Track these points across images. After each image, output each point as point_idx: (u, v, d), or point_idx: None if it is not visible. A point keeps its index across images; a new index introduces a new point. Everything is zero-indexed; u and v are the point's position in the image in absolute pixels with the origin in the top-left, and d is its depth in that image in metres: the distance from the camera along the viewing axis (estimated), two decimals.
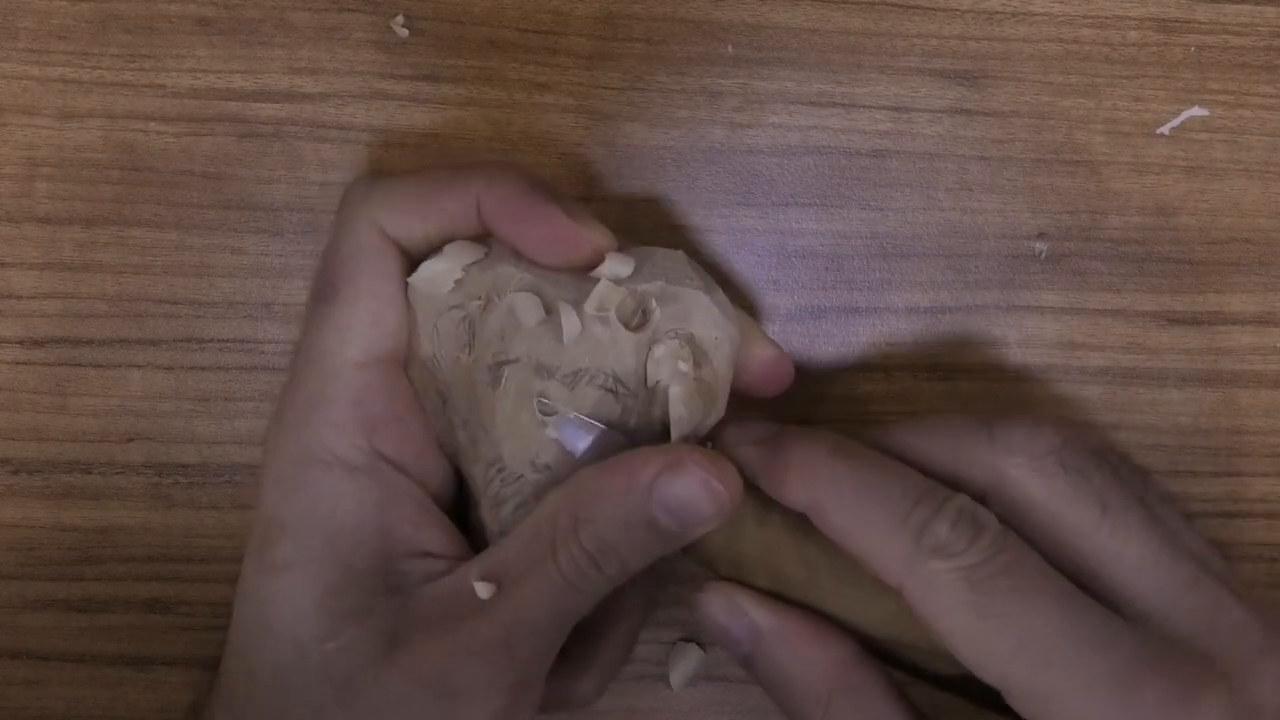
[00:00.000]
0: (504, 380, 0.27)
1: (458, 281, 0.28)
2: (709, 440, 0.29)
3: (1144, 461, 0.35)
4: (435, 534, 0.29)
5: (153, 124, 0.33)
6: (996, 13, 0.34)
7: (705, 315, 0.28)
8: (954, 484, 0.26)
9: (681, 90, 0.34)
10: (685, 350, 0.28)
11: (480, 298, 0.28)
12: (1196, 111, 0.34)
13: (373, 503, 0.28)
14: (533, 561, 0.27)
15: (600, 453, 0.27)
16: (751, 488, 0.28)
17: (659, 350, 0.27)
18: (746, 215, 0.34)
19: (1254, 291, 0.35)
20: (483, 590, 0.27)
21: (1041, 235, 0.34)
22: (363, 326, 0.28)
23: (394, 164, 0.33)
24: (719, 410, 0.29)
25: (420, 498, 0.29)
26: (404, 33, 0.33)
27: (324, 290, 0.29)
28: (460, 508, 0.31)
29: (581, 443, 0.27)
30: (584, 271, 0.28)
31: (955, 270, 0.34)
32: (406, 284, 0.29)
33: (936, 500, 0.25)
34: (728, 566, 0.28)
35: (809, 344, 0.34)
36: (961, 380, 0.34)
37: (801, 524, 0.27)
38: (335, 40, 0.33)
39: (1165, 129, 0.34)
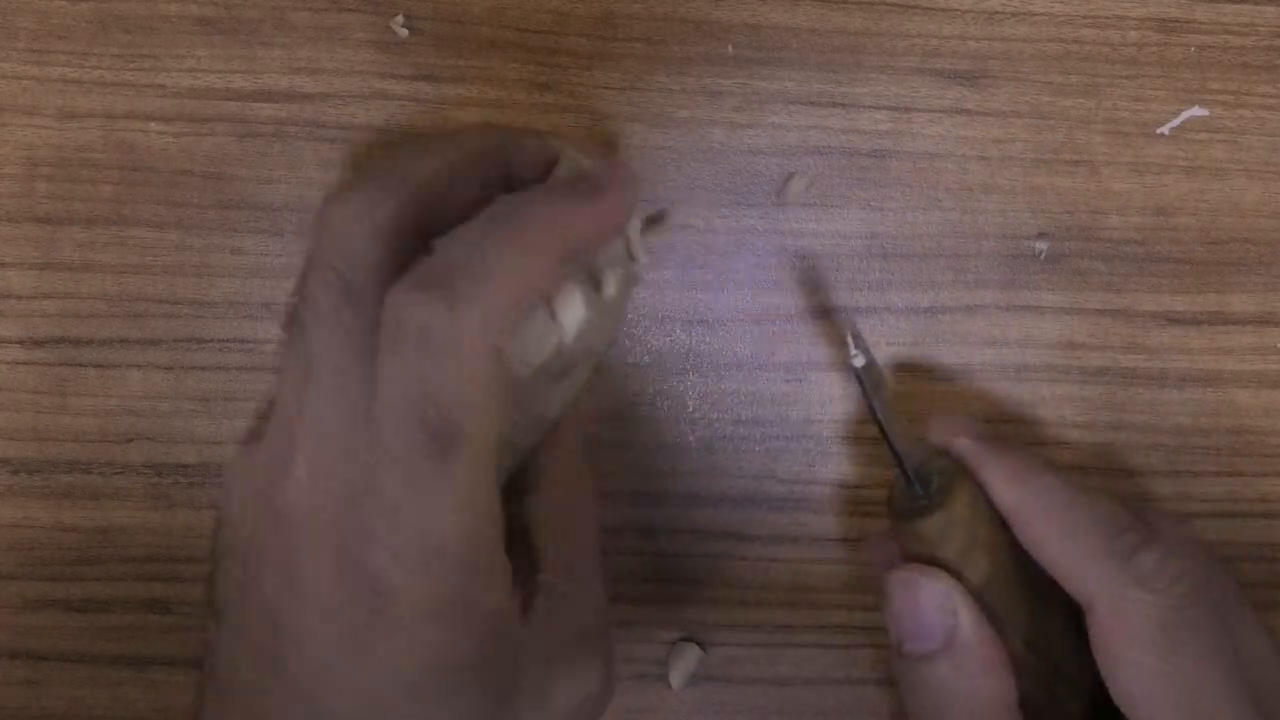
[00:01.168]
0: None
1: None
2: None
3: (1144, 462, 0.35)
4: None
5: (153, 124, 0.33)
6: (996, 13, 0.34)
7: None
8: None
9: (681, 90, 0.34)
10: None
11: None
12: (1196, 111, 0.34)
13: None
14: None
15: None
16: (972, 496, 0.28)
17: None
18: (746, 215, 0.34)
19: (1254, 291, 0.35)
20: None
21: (1041, 235, 0.34)
22: (486, 496, 0.23)
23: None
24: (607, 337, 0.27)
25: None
26: (404, 33, 0.33)
27: (438, 437, 0.22)
28: None
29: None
30: None
31: (955, 270, 0.34)
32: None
33: (1148, 530, 0.26)
34: (963, 541, 0.28)
35: (809, 344, 0.34)
36: (961, 380, 0.34)
37: (996, 520, 0.28)
38: (335, 40, 0.33)
39: (1165, 129, 0.34)
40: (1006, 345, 0.34)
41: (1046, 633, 0.28)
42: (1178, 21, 0.34)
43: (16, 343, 0.33)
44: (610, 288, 0.26)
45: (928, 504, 0.28)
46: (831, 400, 0.34)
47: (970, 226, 0.34)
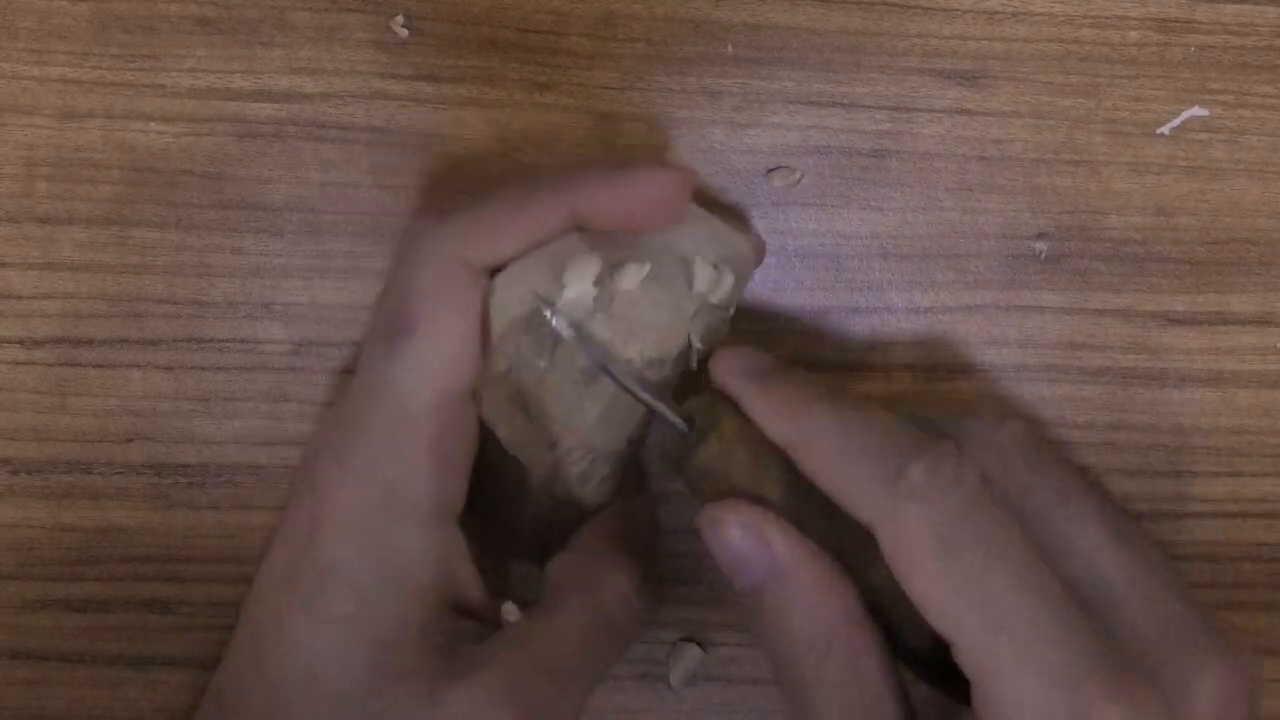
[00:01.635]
0: (601, 379, 0.28)
1: (531, 286, 0.28)
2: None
3: (1144, 462, 0.35)
4: (475, 588, 0.28)
5: (153, 124, 0.33)
6: (996, 13, 0.34)
7: (722, 240, 0.30)
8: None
9: (681, 90, 0.34)
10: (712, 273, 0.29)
11: (552, 305, 0.28)
12: (1196, 111, 0.34)
13: (434, 558, 0.27)
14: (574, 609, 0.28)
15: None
16: (746, 417, 0.27)
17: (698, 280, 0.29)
18: (747, 216, 0.34)
19: (1254, 291, 0.35)
20: (510, 614, 0.27)
21: (1041, 235, 0.34)
22: (442, 366, 0.27)
23: (395, 164, 0.33)
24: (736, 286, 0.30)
25: (468, 548, 0.28)
26: (404, 33, 0.33)
27: (398, 326, 0.27)
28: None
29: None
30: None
31: (955, 270, 0.34)
32: (490, 306, 0.28)
33: (919, 444, 0.25)
34: (713, 490, 0.27)
35: (809, 344, 0.34)
36: (961, 380, 0.34)
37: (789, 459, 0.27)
38: (335, 40, 0.33)
39: (1165, 129, 0.34)
40: (1006, 345, 0.34)
41: (862, 553, 0.27)
42: (1178, 21, 0.34)
43: (16, 343, 0.33)
44: (700, 281, 0.29)
45: (696, 438, 0.28)
46: None
47: (970, 226, 0.34)
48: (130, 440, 0.33)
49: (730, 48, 0.34)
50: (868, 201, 0.34)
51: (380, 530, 0.27)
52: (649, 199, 0.28)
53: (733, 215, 0.33)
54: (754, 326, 0.34)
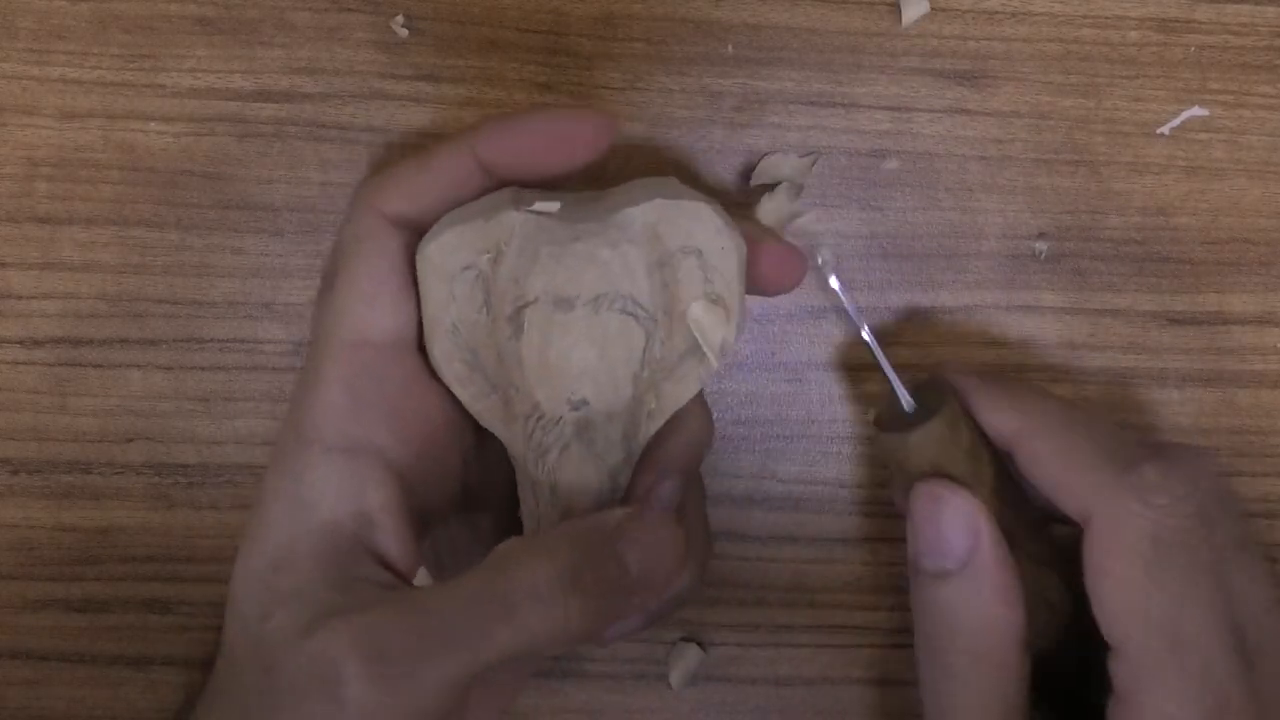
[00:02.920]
0: (526, 324, 0.27)
1: (462, 239, 0.28)
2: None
3: None
4: (392, 540, 0.27)
5: (153, 124, 0.33)
6: (996, 13, 0.34)
7: (708, 226, 0.28)
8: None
9: (681, 90, 0.34)
10: (696, 268, 0.28)
11: (489, 251, 0.28)
12: (1196, 111, 0.34)
13: (336, 489, 0.27)
14: (498, 608, 0.25)
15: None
16: (964, 416, 0.28)
17: (677, 274, 0.28)
18: (746, 215, 0.34)
19: (1254, 291, 0.35)
20: (421, 580, 0.27)
21: (1041, 235, 0.34)
22: (357, 307, 0.28)
23: (395, 164, 0.33)
24: (738, 321, 0.28)
25: (391, 498, 0.27)
26: (404, 33, 0.33)
27: (325, 279, 0.29)
28: (472, 504, 0.31)
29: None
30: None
31: (955, 270, 0.34)
32: (415, 261, 0.28)
33: (1151, 449, 0.25)
34: (920, 473, 0.28)
35: (809, 344, 0.34)
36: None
37: (998, 460, 0.28)
38: (335, 40, 0.33)
39: (1165, 129, 0.34)
40: (1006, 345, 0.34)
41: (1037, 557, 0.27)
42: (1178, 21, 0.34)
43: (16, 343, 0.33)
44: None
45: (921, 417, 0.28)
46: (831, 400, 0.34)
47: (970, 226, 0.34)
48: (130, 440, 0.33)
49: (730, 48, 0.34)
50: (868, 201, 0.34)
51: (287, 455, 0.27)
52: (549, 137, 0.28)
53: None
54: (755, 327, 0.34)
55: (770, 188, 0.31)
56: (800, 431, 0.34)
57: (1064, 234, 0.34)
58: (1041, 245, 0.34)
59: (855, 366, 0.34)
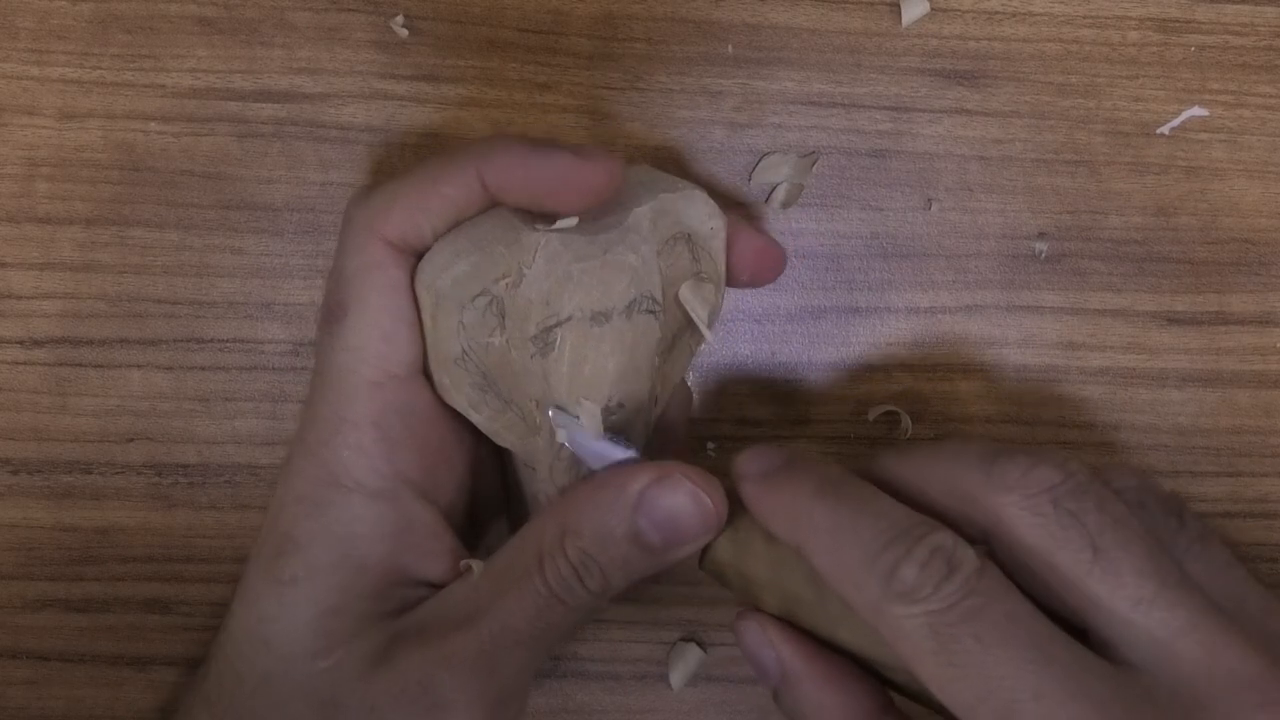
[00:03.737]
0: (559, 341, 0.27)
1: (478, 270, 0.28)
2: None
3: (1144, 462, 0.35)
4: (440, 561, 0.29)
5: (153, 124, 0.33)
6: (996, 13, 0.34)
7: (700, 210, 0.29)
8: (957, 521, 0.26)
9: (681, 90, 0.34)
10: (686, 250, 0.29)
11: (506, 276, 0.27)
12: (1196, 111, 0.34)
13: (386, 531, 0.28)
14: (520, 573, 0.27)
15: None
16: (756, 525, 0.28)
17: (671, 258, 0.28)
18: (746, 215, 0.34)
19: (1254, 291, 0.35)
20: (475, 567, 0.28)
21: (1041, 235, 0.34)
22: (375, 344, 0.28)
23: (394, 164, 0.33)
24: (722, 292, 0.30)
25: (435, 524, 0.29)
26: (404, 33, 0.33)
27: (333, 311, 0.28)
28: (481, 512, 0.31)
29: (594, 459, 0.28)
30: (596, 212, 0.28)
31: (955, 270, 0.34)
32: (414, 289, 0.28)
33: (909, 541, 0.25)
34: (739, 582, 0.28)
35: (809, 344, 0.34)
36: (961, 380, 0.34)
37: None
38: (335, 40, 0.33)
39: (1165, 129, 0.34)
40: (1006, 345, 0.34)
41: (882, 645, 0.27)
42: (1178, 21, 0.34)
43: (16, 343, 0.33)
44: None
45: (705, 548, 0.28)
46: (831, 400, 0.34)
47: (970, 226, 0.34)
48: (130, 440, 0.33)
49: (730, 48, 0.34)
50: (868, 201, 0.34)
51: (327, 504, 0.28)
52: (562, 178, 0.28)
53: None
54: (755, 327, 0.34)
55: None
56: (799, 431, 0.34)
57: (1064, 234, 0.34)
58: (1041, 245, 0.34)
59: (855, 366, 0.34)
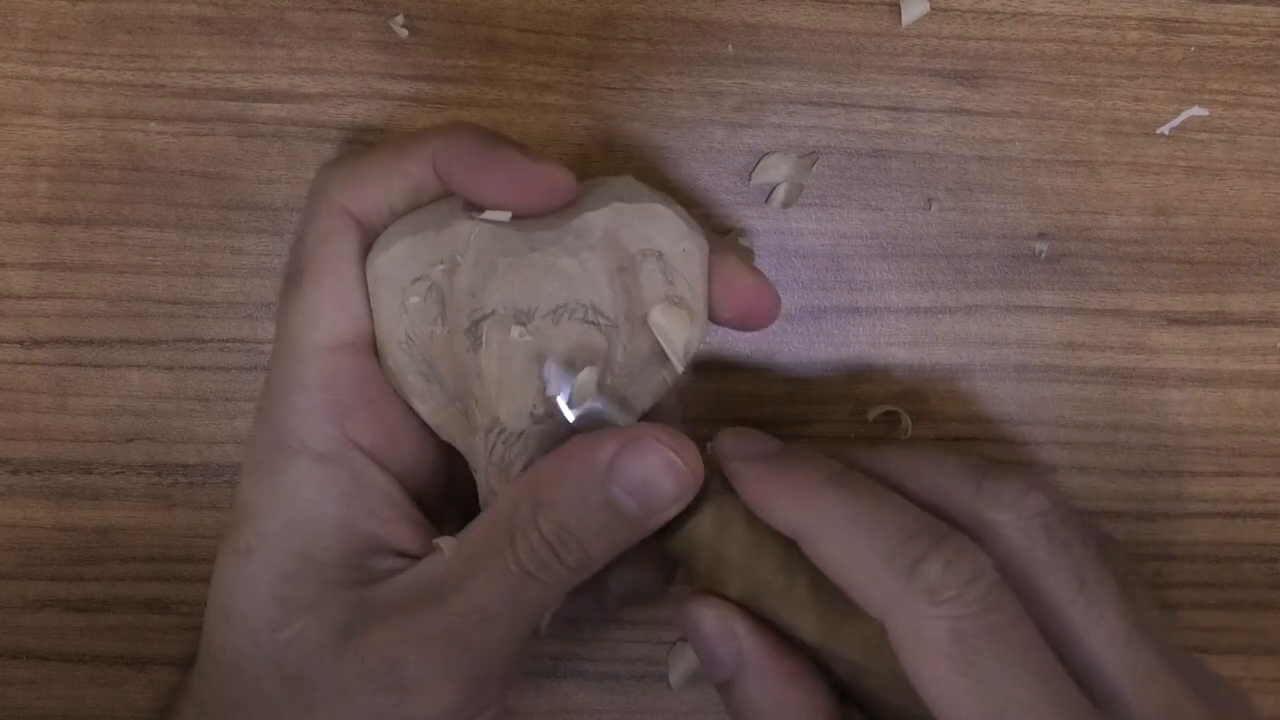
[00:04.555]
0: (484, 337, 0.27)
1: (414, 251, 0.27)
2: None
3: (1144, 462, 0.35)
4: (404, 530, 0.28)
5: (153, 124, 0.33)
6: (996, 13, 0.34)
7: (669, 228, 0.27)
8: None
9: (681, 90, 0.34)
10: (657, 271, 0.27)
11: (442, 262, 0.27)
12: (1196, 111, 0.34)
13: (338, 494, 0.27)
14: (491, 550, 0.26)
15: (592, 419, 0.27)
16: (738, 508, 0.27)
17: (638, 277, 0.27)
18: (746, 215, 0.34)
19: (1254, 291, 0.35)
20: (445, 545, 0.27)
21: (1041, 235, 0.34)
22: (329, 310, 0.27)
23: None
24: (701, 323, 0.28)
25: (392, 492, 0.28)
26: (404, 33, 0.33)
27: (291, 276, 0.28)
28: (458, 498, 0.31)
29: (572, 408, 0.27)
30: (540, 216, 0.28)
31: (955, 270, 0.34)
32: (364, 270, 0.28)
33: (933, 538, 0.24)
34: (709, 561, 0.27)
35: (809, 344, 0.34)
36: (961, 380, 0.34)
37: (767, 534, 0.27)
38: (335, 40, 0.33)
39: (1165, 129, 0.34)
40: (1006, 345, 0.34)
41: (848, 640, 0.26)
42: (1178, 21, 0.34)
43: (16, 343, 0.33)
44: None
45: (689, 509, 0.27)
46: (831, 400, 0.34)
47: (970, 226, 0.34)
48: (130, 440, 0.33)
49: (730, 48, 0.34)
50: (868, 201, 0.34)
51: (275, 468, 0.27)
52: (511, 179, 0.27)
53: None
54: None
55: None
56: (800, 432, 0.34)
57: (1064, 234, 0.34)
58: (1041, 245, 0.34)
59: (855, 366, 0.34)
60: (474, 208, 0.27)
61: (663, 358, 0.28)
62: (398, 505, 0.28)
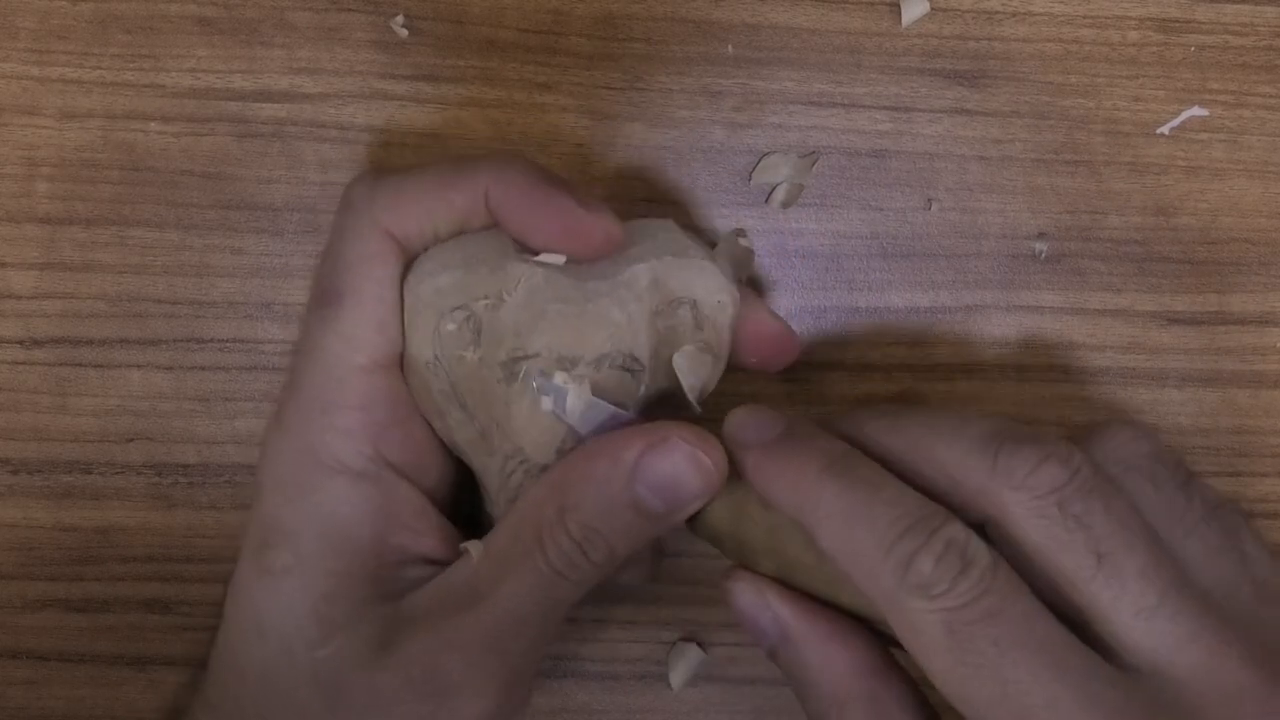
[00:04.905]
0: (522, 375, 0.27)
1: (462, 284, 0.28)
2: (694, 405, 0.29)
3: None
4: (433, 540, 0.29)
5: (153, 124, 0.33)
6: (996, 13, 0.34)
7: (709, 282, 0.29)
8: (952, 502, 0.25)
9: (681, 90, 0.34)
10: (689, 317, 0.28)
11: (487, 297, 0.28)
12: (1196, 111, 0.34)
13: (374, 511, 0.28)
14: (520, 553, 0.27)
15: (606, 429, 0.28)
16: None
17: (670, 321, 0.28)
18: (746, 215, 0.34)
19: (1254, 291, 0.35)
20: (474, 549, 0.27)
21: (1041, 235, 0.34)
22: (369, 332, 0.28)
23: (394, 164, 0.33)
24: (721, 367, 0.29)
25: (420, 504, 0.29)
26: (404, 33, 0.33)
27: (328, 294, 0.28)
28: (463, 502, 0.31)
29: (587, 424, 0.27)
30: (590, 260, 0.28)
31: (955, 270, 0.34)
32: (404, 288, 0.28)
33: (925, 531, 0.24)
34: (734, 547, 0.28)
35: (809, 344, 0.34)
36: (961, 380, 0.34)
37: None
38: (335, 40, 0.33)
39: (1165, 129, 0.34)
40: (1006, 345, 0.34)
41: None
42: (1178, 21, 0.34)
43: (16, 343, 0.33)
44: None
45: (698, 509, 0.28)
46: (832, 400, 0.34)
47: (970, 226, 0.34)
48: (130, 440, 0.33)
49: (730, 48, 0.34)
50: (868, 201, 0.34)
51: (311, 488, 0.28)
52: (564, 226, 0.28)
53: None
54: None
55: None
56: None
57: (1064, 234, 0.34)
58: (1041, 245, 0.34)
59: (855, 366, 0.34)
60: (523, 245, 0.28)
61: (678, 394, 0.29)
62: (425, 514, 0.29)
